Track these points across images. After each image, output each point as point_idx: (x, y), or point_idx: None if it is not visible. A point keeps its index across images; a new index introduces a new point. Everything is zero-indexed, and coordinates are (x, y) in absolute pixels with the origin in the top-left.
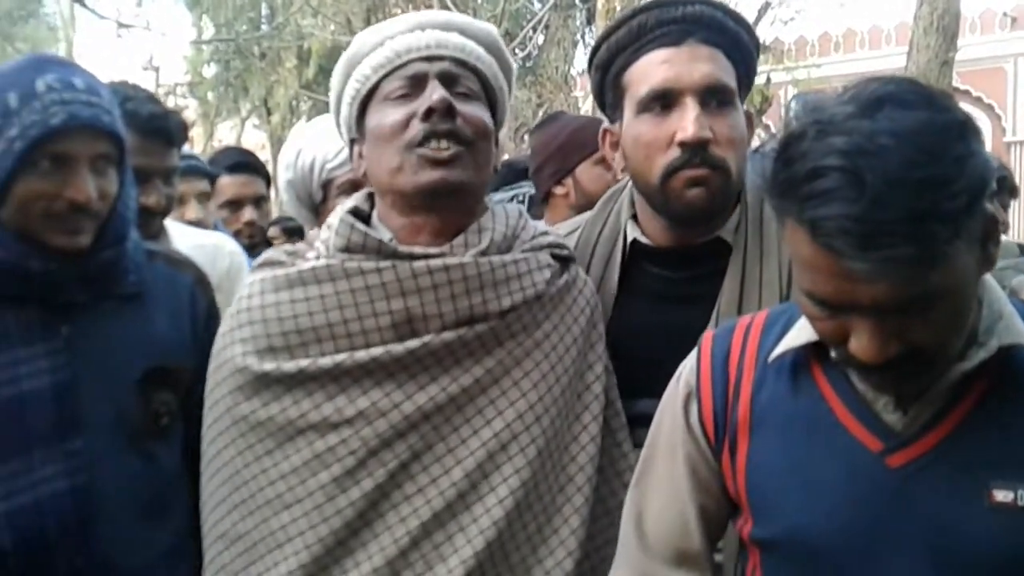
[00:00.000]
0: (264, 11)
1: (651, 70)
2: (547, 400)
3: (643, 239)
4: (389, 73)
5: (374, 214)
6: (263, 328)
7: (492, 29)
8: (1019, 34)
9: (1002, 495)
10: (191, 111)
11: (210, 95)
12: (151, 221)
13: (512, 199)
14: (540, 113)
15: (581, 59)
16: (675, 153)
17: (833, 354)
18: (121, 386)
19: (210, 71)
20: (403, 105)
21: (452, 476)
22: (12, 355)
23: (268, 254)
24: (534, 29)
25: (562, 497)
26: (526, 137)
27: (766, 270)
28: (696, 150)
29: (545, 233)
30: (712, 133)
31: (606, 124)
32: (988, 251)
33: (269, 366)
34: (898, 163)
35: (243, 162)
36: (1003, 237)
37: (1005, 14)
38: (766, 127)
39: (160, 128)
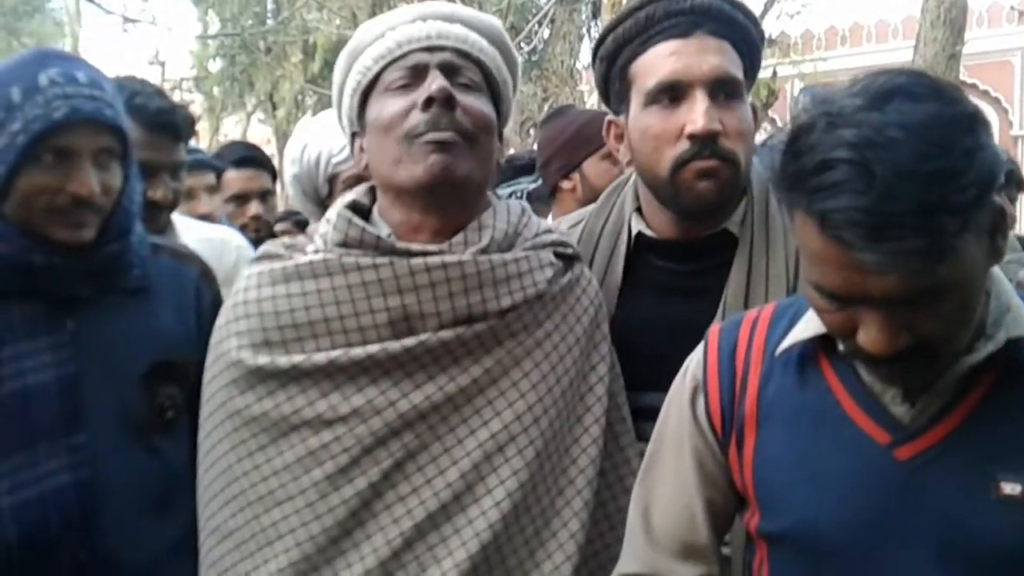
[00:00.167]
0: (269, 6)
1: (659, 62)
2: (547, 401)
3: (648, 232)
4: (390, 64)
5: (375, 208)
6: (259, 322)
7: (496, 22)
8: None
9: (1010, 488)
10: (197, 106)
11: (216, 90)
12: (158, 215)
13: (510, 195)
14: (546, 107)
15: (587, 53)
16: (684, 146)
17: (841, 347)
18: (126, 380)
19: (216, 66)
20: (403, 95)
21: (447, 477)
22: (16, 349)
23: (266, 247)
24: (540, 23)
25: (561, 500)
26: (532, 131)
27: (772, 263)
28: (706, 143)
29: (549, 231)
30: (721, 125)
31: (611, 116)
32: (996, 244)
33: (264, 360)
34: (907, 155)
35: (249, 156)
36: None
37: (1012, 7)
38: (772, 121)
39: (167, 122)
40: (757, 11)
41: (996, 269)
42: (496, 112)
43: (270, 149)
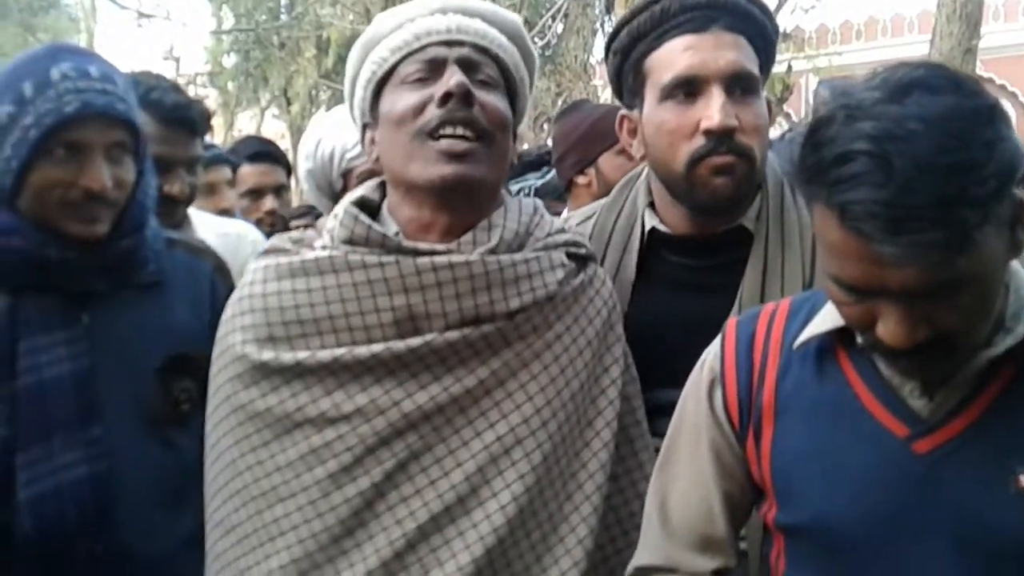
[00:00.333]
0: (283, 1)
1: (675, 57)
2: (555, 404)
3: (661, 227)
4: (407, 56)
5: (384, 205)
6: (264, 316)
7: (515, 18)
8: None
9: None
10: (211, 101)
11: (230, 85)
12: (175, 210)
13: (519, 192)
14: (560, 102)
15: (600, 48)
16: (700, 141)
17: (860, 340)
18: (140, 374)
19: (230, 61)
20: (419, 89)
21: (451, 479)
22: (32, 343)
23: (273, 241)
24: (553, 17)
25: (570, 505)
26: (546, 126)
27: (788, 259)
28: (722, 138)
29: (562, 231)
30: (737, 121)
31: (623, 110)
32: (1016, 237)
33: (268, 356)
34: (927, 148)
35: (263, 151)
36: None
37: None
38: (786, 116)
39: (183, 117)
40: (772, 5)
41: (1015, 262)
42: (512, 109)
43: (284, 144)
